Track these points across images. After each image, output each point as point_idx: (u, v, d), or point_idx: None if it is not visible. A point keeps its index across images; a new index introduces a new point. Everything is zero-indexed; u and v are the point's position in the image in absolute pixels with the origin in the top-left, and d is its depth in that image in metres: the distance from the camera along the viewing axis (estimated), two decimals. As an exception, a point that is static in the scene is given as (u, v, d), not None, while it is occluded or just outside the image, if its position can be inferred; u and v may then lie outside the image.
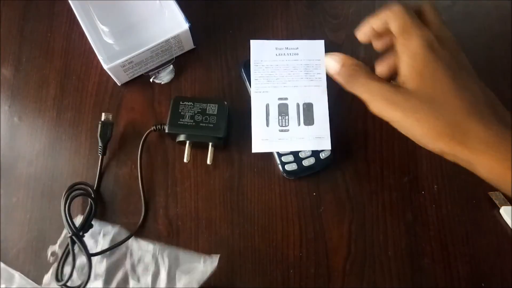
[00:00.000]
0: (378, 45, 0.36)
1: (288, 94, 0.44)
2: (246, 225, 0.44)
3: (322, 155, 0.44)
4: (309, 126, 0.43)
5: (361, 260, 0.42)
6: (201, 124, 0.43)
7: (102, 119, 0.45)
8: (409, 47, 0.31)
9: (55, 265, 0.41)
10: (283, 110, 0.44)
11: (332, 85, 0.38)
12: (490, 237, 0.43)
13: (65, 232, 0.42)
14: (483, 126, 0.29)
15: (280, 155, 0.44)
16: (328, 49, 0.44)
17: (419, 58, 0.31)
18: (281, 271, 0.42)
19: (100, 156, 0.45)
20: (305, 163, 0.43)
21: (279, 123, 0.43)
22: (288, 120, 0.43)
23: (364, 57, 0.48)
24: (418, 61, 0.31)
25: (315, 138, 0.43)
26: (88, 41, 0.45)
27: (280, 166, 0.44)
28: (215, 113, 0.43)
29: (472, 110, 0.29)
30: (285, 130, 0.43)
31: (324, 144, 0.43)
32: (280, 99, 0.44)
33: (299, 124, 0.43)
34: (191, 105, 0.43)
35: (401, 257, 0.42)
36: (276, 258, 0.43)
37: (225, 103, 0.44)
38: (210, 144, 0.43)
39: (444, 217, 0.43)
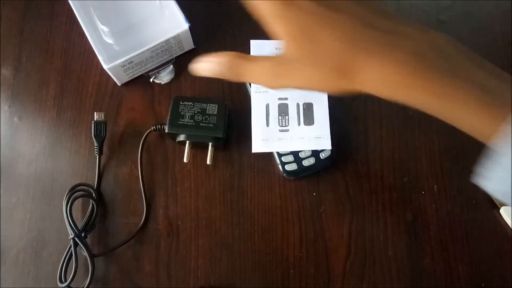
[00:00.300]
0: None
1: (288, 94, 0.44)
2: (246, 225, 0.44)
3: (322, 155, 0.43)
4: (309, 126, 0.43)
5: (361, 260, 0.42)
6: (201, 124, 0.43)
7: (95, 118, 0.45)
8: (272, 14, 0.29)
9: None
10: (283, 110, 0.44)
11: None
12: (490, 237, 0.43)
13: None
14: (366, 52, 0.28)
15: (280, 155, 0.44)
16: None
17: (288, 22, 0.29)
18: (281, 271, 0.42)
19: (97, 156, 0.45)
20: (305, 163, 0.43)
21: (279, 123, 0.43)
22: (288, 120, 0.43)
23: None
24: (288, 25, 0.29)
25: (315, 138, 0.43)
26: (88, 41, 0.45)
27: (280, 166, 0.44)
28: (215, 113, 0.43)
29: (353, 44, 0.28)
30: (285, 130, 0.43)
31: (324, 144, 0.43)
32: (280, 99, 0.44)
33: (299, 124, 0.43)
34: (191, 105, 0.43)
35: (401, 257, 0.42)
36: (276, 258, 0.43)
37: (225, 103, 0.44)
38: (210, 144, 0.43)
39: (444, 217, 0.43)
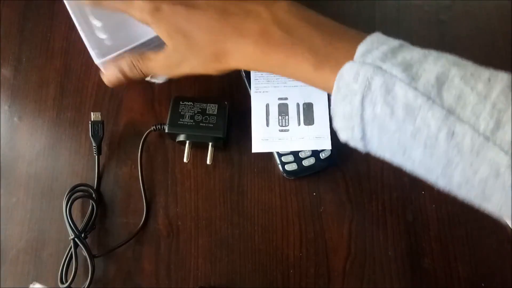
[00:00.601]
0: None
1: (288, 94, 0.44)
2: (246, 225, 0.44)
3: (322, 155, 0.43)
4: (309, 126, 0.43)
5: (361, 260, 0.42)
6: (201, 124, 0.43)
7: (92, 118, 0.45)
8: (147, 21, 0.34)
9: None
10: (283, 110, 0.44)
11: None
12: (490, 237, 0.43)
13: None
14: (227, 37, 0.33)
15: (280, 155, 0.44)
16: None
17: (161, 25, 0.34)
18: (281, 271, 0.42)
19: (96, 156, 0.45)
20: (305, 163, 0.43)
21: (279, 123, 0.43)
22: (288, 120, 0.43)
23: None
24: (162, 27, 0.34)
25: (315, 138, 0.43)
26: (88, 41, 0.45)
27: (280, 166, 0.44)
28: (215, 113, 0.43)
29: (216, 33, 0.33)
30: (285, 130, 0.43)
31: (324, 144, 0.43)
32: (280, 99, 0.44)
33: (299, 124, 0.43)
34: (191, 105, 0.43)
35: (401, 257, 0.42)
36: (276, 258, 0.43)
37: (225, 103, 0.44)
38: (210, 144, 0.43)
39: (444, 217, 0.43)
